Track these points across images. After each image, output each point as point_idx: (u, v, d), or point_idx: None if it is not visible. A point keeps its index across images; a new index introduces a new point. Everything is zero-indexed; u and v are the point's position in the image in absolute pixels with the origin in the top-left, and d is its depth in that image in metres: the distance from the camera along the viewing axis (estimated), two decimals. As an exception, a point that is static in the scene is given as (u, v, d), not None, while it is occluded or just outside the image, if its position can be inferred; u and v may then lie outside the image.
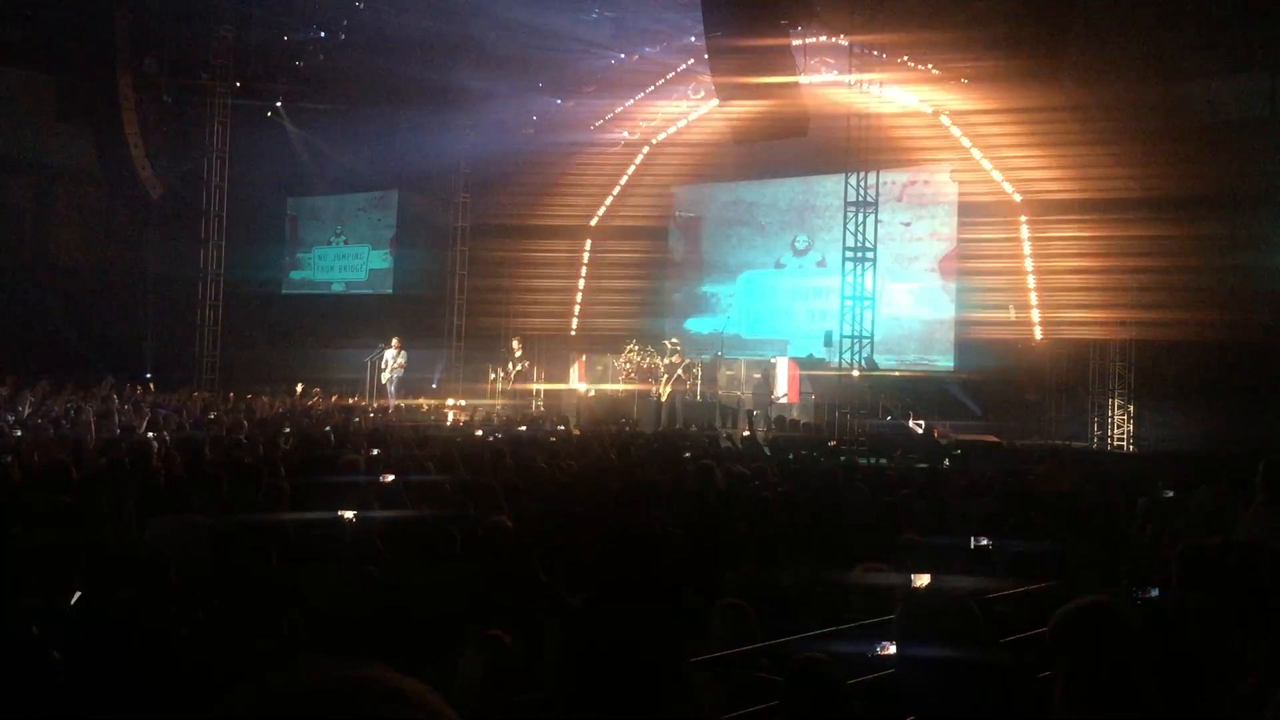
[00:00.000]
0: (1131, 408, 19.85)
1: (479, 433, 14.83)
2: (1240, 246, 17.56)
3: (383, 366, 21.73)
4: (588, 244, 26.15)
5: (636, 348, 21.93)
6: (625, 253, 25.78)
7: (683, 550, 5.83)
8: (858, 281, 20.31)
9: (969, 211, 21.61)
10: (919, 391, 19.83)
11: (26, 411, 14.28)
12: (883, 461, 12.85)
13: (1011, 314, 20.34)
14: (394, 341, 21.83)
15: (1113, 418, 20.05)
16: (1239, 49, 17.69)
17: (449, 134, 24.84)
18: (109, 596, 4.61)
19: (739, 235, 24.60)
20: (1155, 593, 4.55)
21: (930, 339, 21.64)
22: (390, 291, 27.37)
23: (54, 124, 24.01)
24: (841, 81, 20.34)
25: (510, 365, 22.13)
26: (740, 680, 4.04)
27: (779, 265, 23.96)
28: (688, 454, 12.06)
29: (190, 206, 23.03)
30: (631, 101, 24.05)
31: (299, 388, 20.68)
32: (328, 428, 13.91)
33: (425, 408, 20.95)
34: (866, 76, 19.96)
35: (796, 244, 23.75)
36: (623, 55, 22.69)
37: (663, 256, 25.58)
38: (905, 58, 20.31)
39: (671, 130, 24.82)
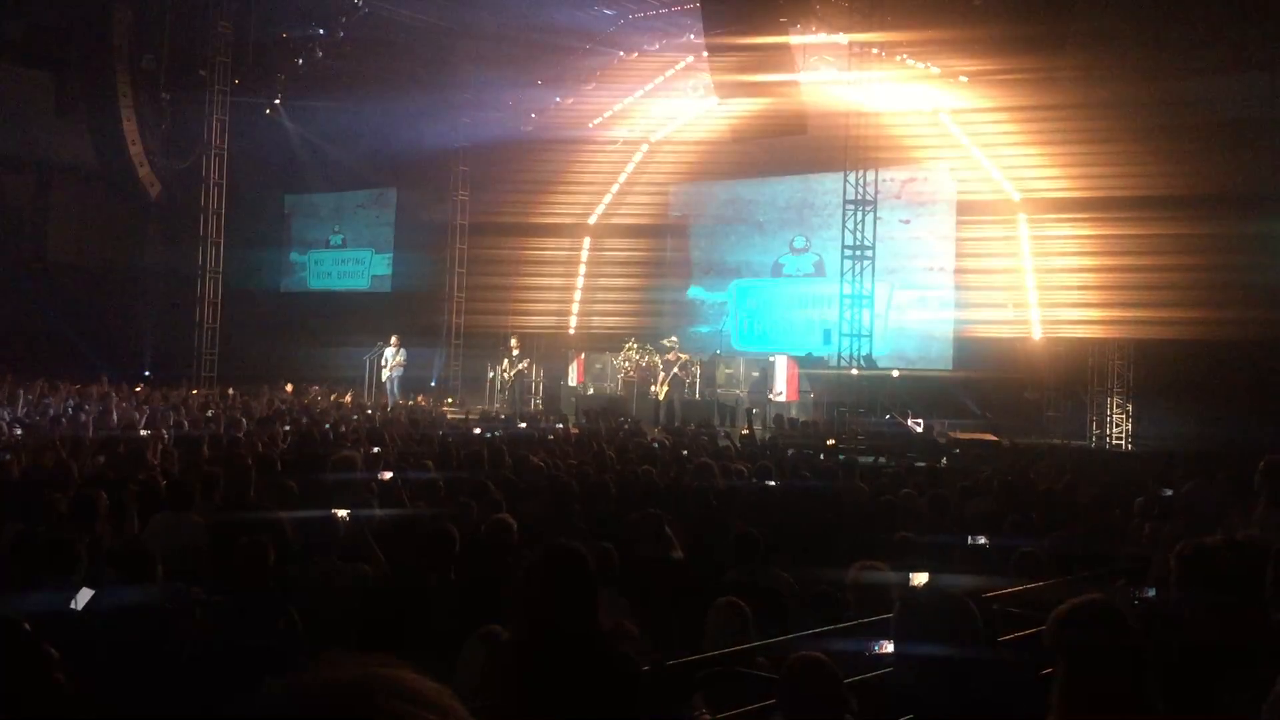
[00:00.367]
0: (1130, 406, 19.86)
1: (477, 430, 14.82)
2: (1239, 245, 17.56)
3: (383, 364, 21.72)
4: (586, 242, 26.14)
5: (635, 346, 21.92)
6: (624, 251, 25.77)
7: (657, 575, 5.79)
8: (856, 280, 20.32)
9: (968, 210, 21.61)
10: (918, 390, 19.83)
11: (24, 409, 14.28)
12: (881, 460, 12.84)
13: (1010, 310, 20.33)
14: (393, 339, 21.82)
15: (1111, 416, 20.07)
16: (1238, 48, 17.69)
17: (447, 131, 24.85)
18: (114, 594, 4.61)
19: (738, 233, 24.60)
20: (1152, 593, 4.56)
21: (929, 337, 21.64)
22: (388, 290, 27.38)
23: (52, 121, 24.00)
24: (840, 80, 20.32)
25: (509, 363, 22.13)
26: (738, 679, 4.04)
27: (777, 269, 23.94)
28: (685, 451, 12.07)
29: (188, 204, 23.00)
30: (630, 99, 24.04)
31: (289, 387, 20.64)
32: (326, 425, 13.91)
33: (424, 405, 20.94)
34: (865, 75, 19.94)
35: (794, 244, 23.76)
36: (622, 53, 22.69)
37: (661, 255, 25.57)
38: (904, 56, 20.31)
39: (670, 128, 24.81)
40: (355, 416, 16.54)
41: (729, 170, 23.91)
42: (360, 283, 28.00)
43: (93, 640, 4.26)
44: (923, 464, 12.29)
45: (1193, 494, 8.29)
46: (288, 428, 13.25)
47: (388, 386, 21.69)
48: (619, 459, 11.07)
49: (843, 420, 18.28)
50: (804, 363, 20.89)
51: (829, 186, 22.05)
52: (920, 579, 5.06)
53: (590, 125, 24.87)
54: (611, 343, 23.10)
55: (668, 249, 25.52)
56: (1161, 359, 18.27)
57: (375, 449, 10.62)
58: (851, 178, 20.19)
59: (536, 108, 24.33)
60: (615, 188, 25.73)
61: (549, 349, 24.48)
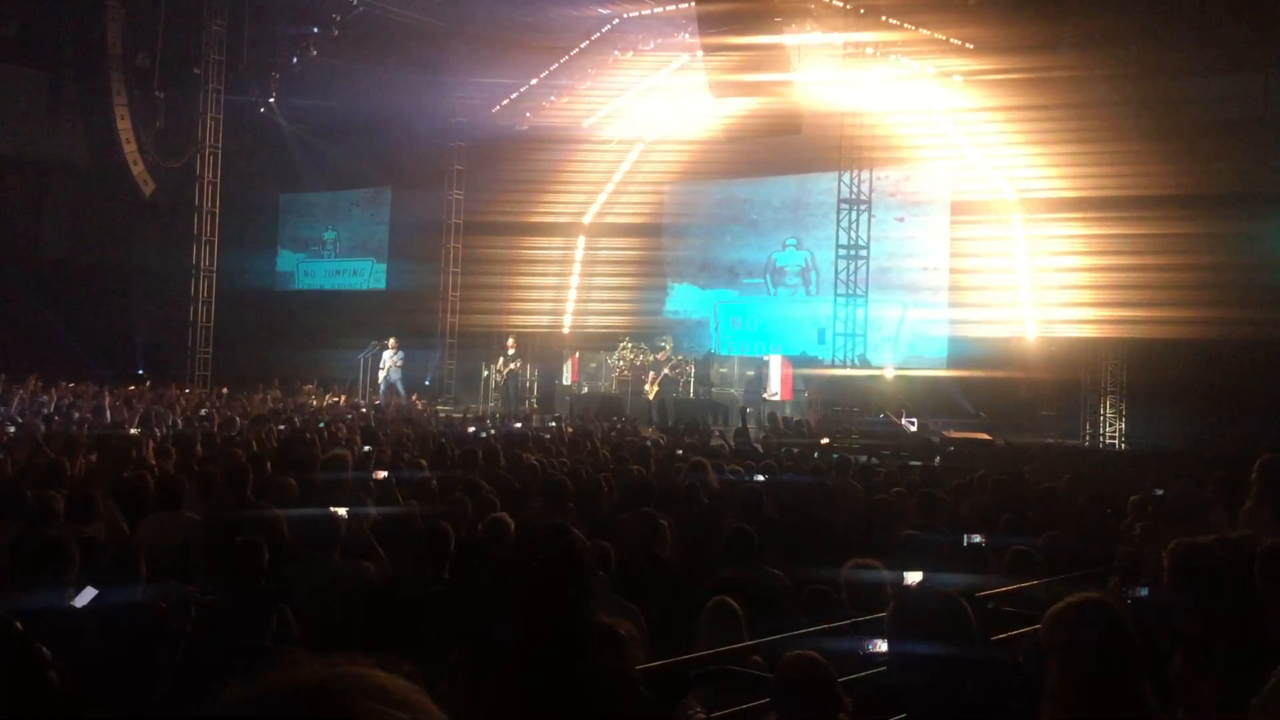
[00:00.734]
0: (1123, 406, 19.90)
1: (472, 429, 14.81)
2: (1233, 246, 17.61)
3: (381, 366, 21.69)
4: (581, 241, 26.14)
5: (630, 345, 21.93)
6: (618, 250, 25.78)
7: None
8: (850, 280, 20.35)
9: (962, 210, 21.64)
10: (912, 389, 19.85)
11: (17, 407, 14.24)
12: (875, 460, 12.86)
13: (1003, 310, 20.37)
14: (391, 341, 21.79)
15: (1105, 416, 20.10)
16: (1232, 48, 17.72)
17: (441, 130, 24.83)
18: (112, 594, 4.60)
19: (732, 233, 24.63)
20: (1145, 592, 4.57)
21: (923, 337, 21.67)
22: (382, 289, 27.36)
23: (46, 119, 23.93)
24: (835, 80, 20.33)
25: (503, 362, 22.13)
26: (730, 678, 4.05)
27: (772, 267, 23.96)
28: (680, 450, 12.07)
29: (182, 202, 22.94)
30: (625, 98, 24.03)
31: (276, 389, 20.55)
32: (320, 424, 13.89)
33: (419, 404, 20.92)
34: (860, 75, 19.96)
35: (786, 243, 23.79)
36: (617, 52, 22.68)
37: (656, 254, 25.58)
38: (899, 55, 20.33)
39: (665, 128, 24.81)
40: (349, 415, 16.52)
41: (723, 170, 23.92)
42: (354, 282, 27.99)
43: (86, 639, 4.25)
44: (917, 463, 12.32)
45: (1185, 493, 8.31)
46: (281, 427, 13.23)
47: (381, 387, 21.67)
48: (613, 458, 11.07)
49: (837, 419, 18.29)
50: (798, 362, 20.90)
51: (824, 186, 22.09)
52: (914, 578, 5.07)
53: (585, 124, 24.87)
54: (606, 342, 23.11)
55: (663, 248, 25.53)
56: (1155, 359, 18.30)
57: (367, 448, 10.61)
58: (846, 177, 20.21)
59: (531, 107, 24.32)
60: (610, 187, 25.73)
61: (544, 348, 24.48)
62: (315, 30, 22.44)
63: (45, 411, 13.81)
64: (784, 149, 21.46)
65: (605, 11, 21.32)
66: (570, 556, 3.14)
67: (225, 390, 19.38)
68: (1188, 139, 17.81)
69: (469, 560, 5.69)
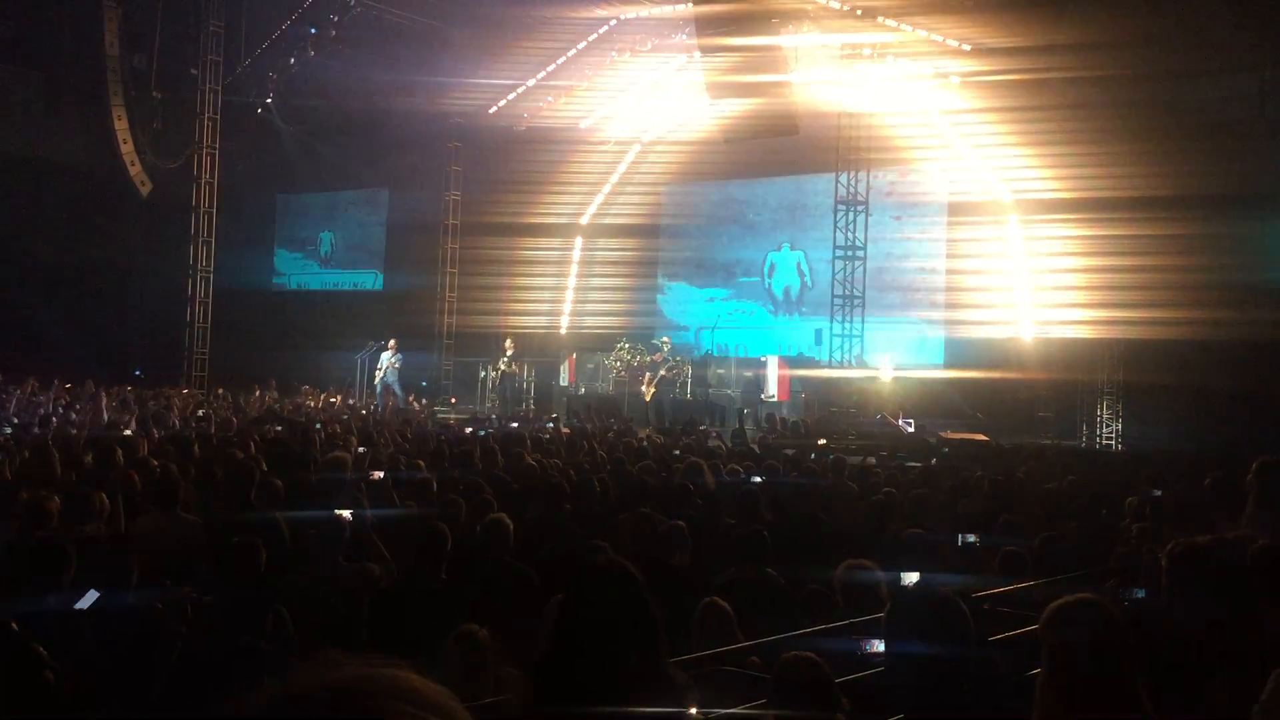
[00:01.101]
0: (1120, 407, 19.91)
1: (469, 430, 14.81)
2: (1229, 246, 17.64)
3: (379, 367, 21.69)
4: (578, 242, 26.15)
5: (627, 347, 21.93)
6: (616, 251, 25.79)
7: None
8: (848, 281, 20.37)
9: (959, 211, 21.66)
10: (909, 390, 19.86)
11: (15, 409, 14.22)
12: (872, 460, 12.86)
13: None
14: (390, 343, 21.80)
15: (1101, 416, 20.11)
16: (1227, 50, 17.75)
17: (439, 131, 24.82)
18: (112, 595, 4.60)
19: (730, 234, 24.65)
20: (1141, 594, 4.57)
21: (920, 338, 21.69)
22: (380, 289, 27.35)
23: (43, 120, 23.91)
24: (832, 81, 20.34)
25: (501, 363, 22.12)
26: (724, 679, 4.05)
27: (769, 269, 23.99)
28: (677, 451, 12.07)
29: (179, 203, 22.92)
30: (623, 99, 24.04)
31: (273, 389, 20.50)
32: (318, 424, 13.87)
33: (416, 405, 20.92)
34: (857, 76, 19.99)
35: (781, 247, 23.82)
36: (614, 53, 22.68)
37: (653, 255, 25.59)
38: (896, 57, 20.35)
39: (662, 129, 24.82)
40: (345, 416, 16.51)
41: (720, 171, 23.94)
42: (352, 283, 27.98)
43: (83, 640, 4.25)
44: (914, 464, 12.32)
45: (1182, 494, 8.32)
46: (279, 428, 13.22)
47: (378, 388, 21.65)
48: (609, 459, 11.07)
49: (834, 420, 18.30)
50: (795, 363, 20.91)
51: (820, 187, 22.12)
52: (911, 578, 5.07)
53: (582, 125, 24.88)
54: (603, 343, 23.11)
55: (660, 249, 25.54)
56: (1152, 360, 18.31)
57: (362, 449, 10.60)
58: (843, 179, 20.22)
59: (529, 108, 24.33)
60: (607, 188, 25.74)
61: (541, 349, 24.48)
62: (313, 31, 22.44)
63: (42, 412, 13.78)
64: (781, 150, 21.48)
65: (603, 13, 21.33)
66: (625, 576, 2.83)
67: (222, 391, 19.36)
68: (1183, 140, 17.83)
69: (466, 561, 5.69)
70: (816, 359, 21.03)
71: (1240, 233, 17.67)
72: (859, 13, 18.93)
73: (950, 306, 21.45)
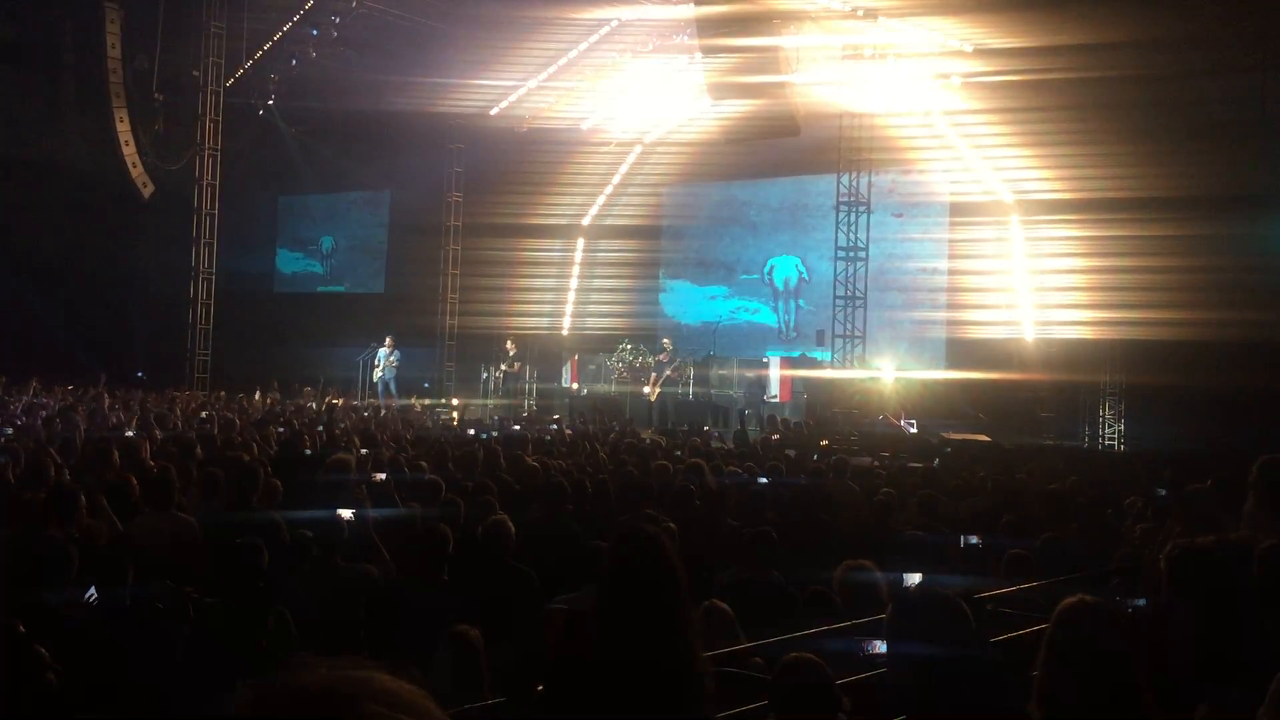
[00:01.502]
0: (1122, 407, 19.90)
1: (470, 431, 14.81)
2: (1231, 247, 17.62)
3: (376, 364, 21.68)
4: (580, 243, 26.15)
5: (629, 347, 21.93)
6: (618, 252, 25.79)
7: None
8: (850, 282, 20.36)
9: (960, 212, 21.66)
10: (910, 391, 19.86)
11: (18, 409, 14.23)
12: (874, 460, 12.84)
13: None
14: (387, 340, 21.79)
15: (1103, 417, 20.10)
16: (1229, 50, 17.74)
17: (441, 132, 24.83)
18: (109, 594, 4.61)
19: (731, 235, 24.65)
20: (1143, 603, 4.55)
21: (922, 339, 21.68)
22: (382, 291, 27.36)
23: (44, 122, 23.90)
24: (833, 81, 20.34)
25: (503, 364, 22.12)
26: (730, 680, 4.04)
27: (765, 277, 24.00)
28: (679, 452, 12.07)
29: (181, 204, 22.93)
30: (624, 100, 24.03)
31: (275, 390, 20.49)
32: (319, 426, 13.87)
33: (418, 407, 20.92)
34: (858, 76, 19.98)
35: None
36: (616, 54, 22.67)
37: (655, 255, 25.60)
38: (897, 58, 20.34)
39: (663, 130, 24.82)
40: (343, 423, 16.49)
41: (722, 171, 23.95)
42: (353, 285, 28.02)
43: (85, 640, 4.25)
44: (916, 465, 12.31)
45: (1184, 495, 8.30)
46: (282, 429, 13.22)
47: (379, 387, 21.65)
48: (611, 460, 11.07)
49: (836, 421, 18.29)
50: (798, 364, 20.91)
51: (822, 188, 22.13)
52: (912, 579, 5.07)
53: (584, 126, 24.88)
54: (605, 344, 23.11)
55: (662, 250, 25.55)
56: (1153, 360, 18.29)
57: (364, 450, 10.59)
58: (844, 179, 20.22)
59: (530, 109, 24.32)
60: (609, 189, 25.74)
61: (543, 350, 24.48)
62: (314, 32, 22.45)
63: (44, 414, 13.78)
64: (782, 151, 21.48)
65: (604, 14, 21.32)
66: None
67: (224, 393, 19.36)
68: (1184, 141, 17.83)
69: (468, 562, 5.69)
70: (819, 360, 21.03)
71: (1242, 233, 17.66)
72: (860, 13, 18.90)
73: (952, 307, 21.44)
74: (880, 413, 18.72)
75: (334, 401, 19.51)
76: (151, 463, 8.80)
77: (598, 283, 25.95)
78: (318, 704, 1.05)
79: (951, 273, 21.63)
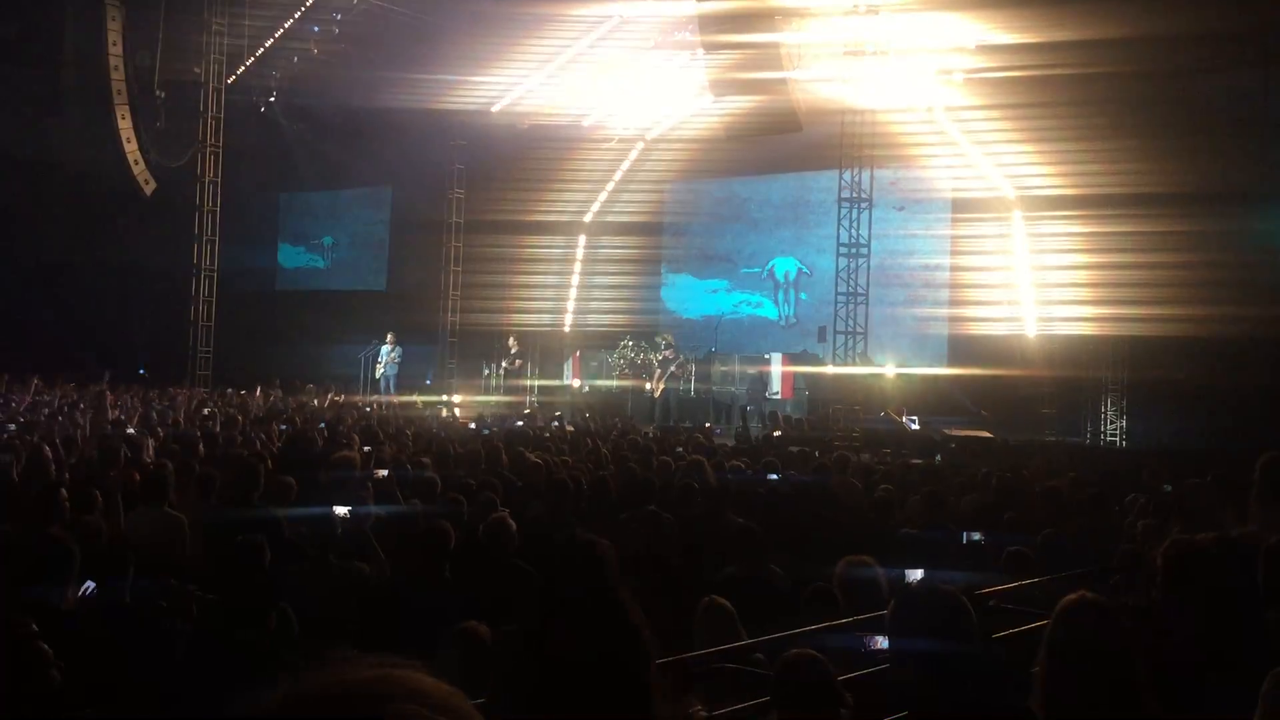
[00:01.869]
0: (1124, 403, 19.89)
1: (472, 427, 14.82)
2: (1233, 243, 17.59)
3: (378, 361, 21.68)
4: (582, 240, 26.15)
5: (631, 344, 21.92)
6: (619, 248, 25.79)
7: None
8: (852, 278, 20.35)
9: (963, 208, 21.64)
10: (912, 387, 19.85)
11: (20, 407, 14.25)
12: (875, 457, 12.85)
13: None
14: (389, 337, 21.79)
15: (1106, 413, 20.09)
16: (1231, 45, 17.71)
17: (442, 129, 24.81)
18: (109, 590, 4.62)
19: (733, 231, 24.64)
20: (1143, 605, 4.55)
21: (924, 335, 21.66)
22: (383, 288, 27.35)
23: (46, 119, 23.89)
24: (835, 77, 20.32)
25: (504, 361, 22.12)
26: (728, 677, 4.05)
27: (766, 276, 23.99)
28: (680, 449, 12.06)
29: (183, 202, 22.93)
30: (626, 96, 24.01)
31: (277, 388, 20.46)
32: (321, 424, 13.88)
33: (420, 404, 20.92)
34: (860, 72, 19.95)
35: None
36: (618, 50, 22.64)
37: (657, 252, 25.60)
38: (899, 54, 20.30)
39: (665, 126, 24.80)
40: (344, 422, 16.49)
41: (724, 168, 23.93)
42: (355, 283, 28.01)
43: (87, 637, 4.26)
44: (918, 461, 12.32)
45: (1186, 492, 8.29)
46: (284, 427, 13.23)
47: (381, 384, 21.65)
48: (613, 456, 11.08)
49: (838, 417, 18.29)
50: (799, 360, 20.90)
51: (824, 184, 22.11)
52: (913, 575, 5.07)
53: (585, 123, 24.86)
54: (607, 340, 23.11)
55: (663, 246, 25.55)
56: (1156, 356, 18.29)
57: (367, 448, 10.60)
58: (846, 175, 20.20)
59: (532, 105, 24.30)
60: (610, 185, 25.73)
61: (545, 347, 24.48)
62: (315, 29, 22.43)
63: (47, 412, 13.80)
64: (784, 147, 21.46)
65: (606, 10, 21.30)
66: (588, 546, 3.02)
67: (229, 390, 19.37)
68: (1187, 136, 17.80)
69: (470, 560, 5.69)
70: (821, 356, 21.02)
71: (1245, 229, 17.64)
72: (862, 9, 18.88)
73: (954, 303, 21.42)
74: (882, 409, 18.71)
75: (338, 399, 19.56)
76: (150, 460, 8.81)
77: (599, 279, 25.95)
78: (357, 702, 1.05)
79: (953, 269, 21.61)
